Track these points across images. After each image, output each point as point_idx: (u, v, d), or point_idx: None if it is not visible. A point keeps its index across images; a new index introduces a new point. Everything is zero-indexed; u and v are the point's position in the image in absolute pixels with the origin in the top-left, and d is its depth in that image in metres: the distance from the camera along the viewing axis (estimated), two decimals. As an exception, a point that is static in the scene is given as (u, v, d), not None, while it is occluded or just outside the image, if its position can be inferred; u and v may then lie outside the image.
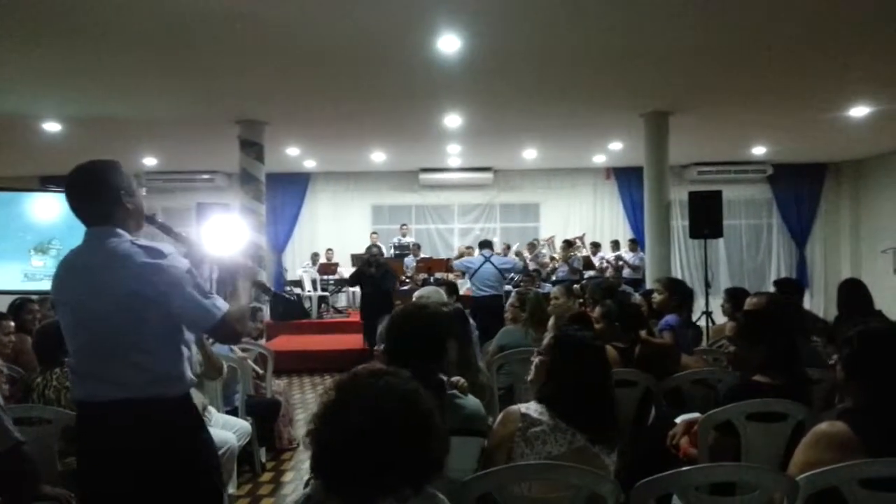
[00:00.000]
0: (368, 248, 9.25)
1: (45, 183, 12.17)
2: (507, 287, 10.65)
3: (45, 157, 11.07)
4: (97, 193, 2.21)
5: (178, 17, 5.33)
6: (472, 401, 2.37)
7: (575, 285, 7.42)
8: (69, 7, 5.13)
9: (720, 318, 7.62)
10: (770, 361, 2.81)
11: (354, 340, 9.52)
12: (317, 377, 8.88)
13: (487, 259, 8.46)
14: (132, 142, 10.41)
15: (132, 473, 2.06)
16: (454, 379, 2.48)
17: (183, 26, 5.53)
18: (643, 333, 4.13)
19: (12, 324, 4.51)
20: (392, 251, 12.51)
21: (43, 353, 3.28)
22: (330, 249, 13.25)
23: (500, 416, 2.43)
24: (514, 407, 2.40)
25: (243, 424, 4.41)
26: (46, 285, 8.58)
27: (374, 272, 8.74)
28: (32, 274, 9.04)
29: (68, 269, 2.22)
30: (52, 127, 9.02)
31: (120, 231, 2.20)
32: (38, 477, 2.56)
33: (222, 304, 2.17)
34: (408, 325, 2.33)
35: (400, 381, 1.51)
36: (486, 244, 8.78)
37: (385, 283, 8.77)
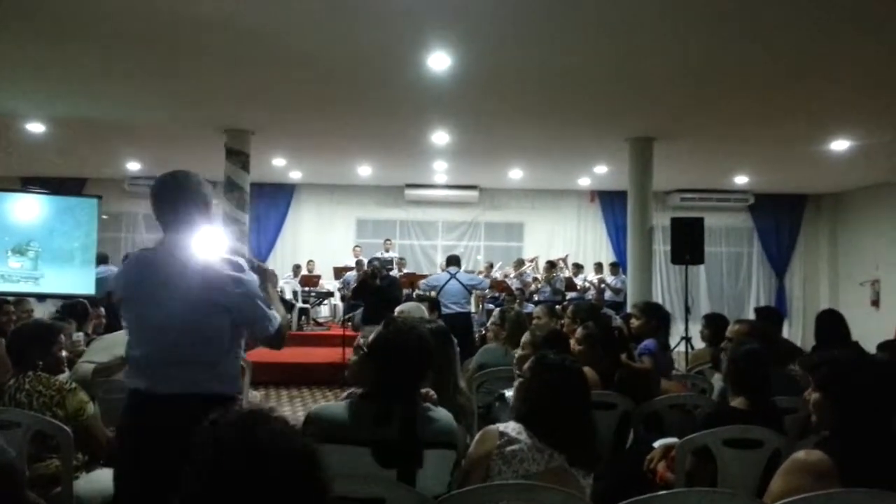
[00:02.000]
0: (370, 261, 9.08)
1: (26, 184, 12.03)
2: (490, 306, 10.66)
3: (28, 158, 10.97)
4: (189, 201, 2.39)
5: (166, 21, 5.32)
6: (443, 413, 2.37)
7: (557, 306, 7.44)
8: (55, 8, 5.11)
9: (699, 344, 7.65)
10: (735, 385, 2.87)
11: (334, 354, 9.45)
12: (294, 390, 8.80)
13: (453, 276, 8.42)
14: (116, 145, 10.34)
15: (176, 460, 2.06)
16: (423, 391, 2.48)
17: (171, 31, 5.52)
18: (623, 357, 4.14)
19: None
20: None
21: (17, 356, 3.21)
22: (311, 261, 13.18)
23: (477, 436, 2.42)
24: (493, 426, 2.40)
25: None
26: (24, 287, 8.41)
27: (380, 283, 8.55)
28: (9, 275, 8.94)
29: (145, 269, 2.34)
30: (35, 127, 8.94)
31: (191, 237, 2.36)
32: (24, 486, 2.51)
33: (277, 315, 2.43)
34: (398, 343, 2.29)
35: (284, 427, 1.31)
36: (452, 261, 8.70)
37: (391, 294, 8.52)
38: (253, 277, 2.37)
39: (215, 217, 2.58)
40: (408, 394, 2.23)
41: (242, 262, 2.38)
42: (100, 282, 10.34)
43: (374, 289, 8.47)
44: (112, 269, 11.06)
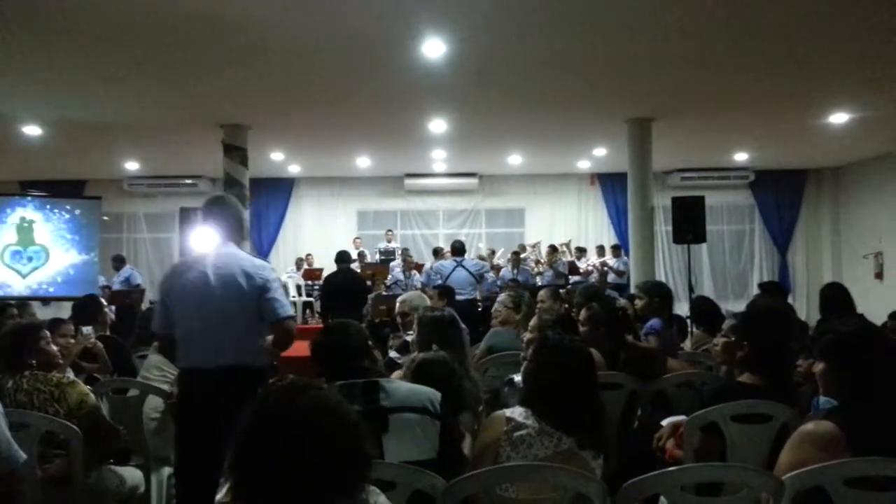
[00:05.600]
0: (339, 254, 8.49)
1: (25, 187, 12.02)
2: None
3: (26, 161, 10.96)
4: (233, 222, 3.13)
5: (160, 19, 5.30)
6: (410, 385, 2.45)
7: (561, 290, 7.42)
8: (50, 9, 5.09)
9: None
10: (755, 361, 2.83)
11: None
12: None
13: (459, 264, 8.42)
14: (114, 146, 10.32)
15: (221, 417, 2.25)
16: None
17: (166, 29, 5.50)
18: (629, 338, 4.14)
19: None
20: (378, 256, 12.46)
21: (11, 357, 3.18)
22: (310, 255, 13.10)
23: (485, 421, 2.43)
24: (500, 412, 2.40)
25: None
26: (28, 291, 8.37)
27: (339, 279, 8.12)
28: (14, 280, 8.95)
29: (192, 268, 3.01)
30: (32, 130, 8.91)
31: (236, 246, 3.10)
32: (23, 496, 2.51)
33: (289, 306, 3.07)
34: (324, 341, 2.57)
35: (324, 395, 1.46)
36: (457, 250, 8.70)
37: (351, 290, 7.96)
38: (273, 275, 3.05)
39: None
40: (357, 369, 2.41)
41: (266, 263, 3.14)
42: (126, 281, 10.40)
43: (335, 287, 8.00)
44: (135, 270, 11.08)
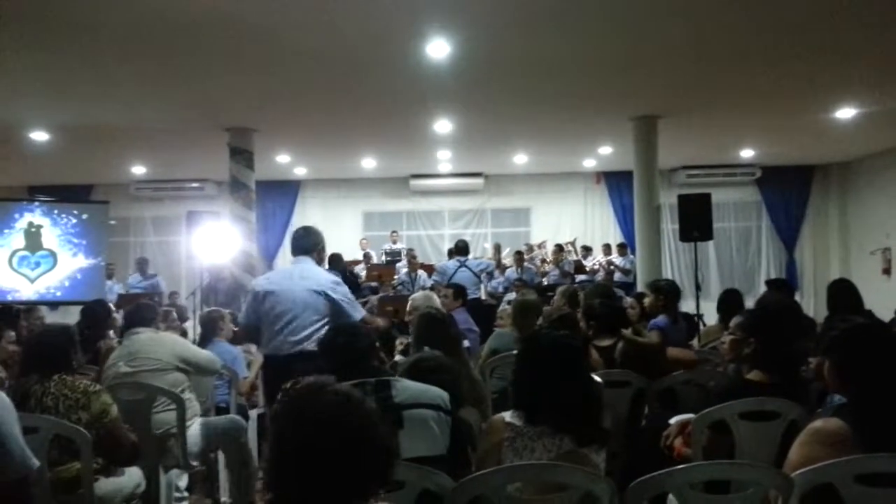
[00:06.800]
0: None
1: (33, 192, 12.08)
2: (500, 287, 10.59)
3: (34, 167, 11.01)
4: (315, 245, 4.05)
5: (167, 24, 5.32)
6: (420, 384, 2.44)
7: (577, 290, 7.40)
8: (56, 14, 5.11)
9: (709, 321, 7.61)
10: (763, 358, 2.81)
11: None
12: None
13: (462, 264, 8.43)
14: (121, 150, 10.37)
15: None
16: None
17: (172, 33, 5.53)
18: (628, 332, 4.13)
19: (13, 334, 4.47)
20: (384, 257, 12.47)
21: (44, 360, 3.14)
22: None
23: (487, 425, 2.42)
24: (499, 416, 2.37)
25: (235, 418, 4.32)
26: (35, 295, 8.39)
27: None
28: (22, 284, 8.98)
29: (286, 276, 3.95)
30: (39, 136, 8.96)
31: (315, 264, 4.02)
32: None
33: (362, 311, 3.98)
34: (334, 342, 2.70)
35: (347, 394, 1.46)
36: (461, 250, 8.69)
37: None
38: (345, 288, 3.91)
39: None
40: (366, 369, 2.46)
41: (337, 277, 4.04)
42: (151, 287, 10.44)
43: None
44: (160, 278, 11.08)
